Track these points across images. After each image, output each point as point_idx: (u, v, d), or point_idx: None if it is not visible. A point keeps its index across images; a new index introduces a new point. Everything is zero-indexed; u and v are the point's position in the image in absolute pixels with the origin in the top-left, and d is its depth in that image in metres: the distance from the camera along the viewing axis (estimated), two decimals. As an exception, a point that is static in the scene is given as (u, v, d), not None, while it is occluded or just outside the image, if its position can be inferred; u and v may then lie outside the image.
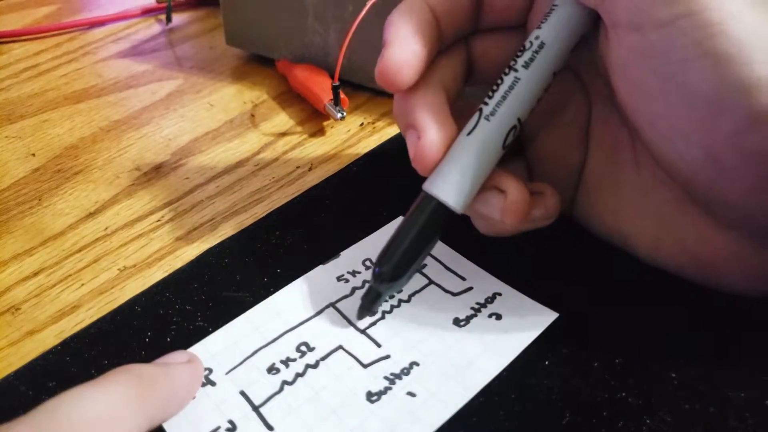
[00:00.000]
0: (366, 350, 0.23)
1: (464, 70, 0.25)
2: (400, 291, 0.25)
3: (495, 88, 0.23)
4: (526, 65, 0.22)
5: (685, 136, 0.19)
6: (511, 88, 0.22)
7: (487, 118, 0.22)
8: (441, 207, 0.22)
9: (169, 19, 0.46)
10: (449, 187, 0.22)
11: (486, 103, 0.23)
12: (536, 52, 0.22)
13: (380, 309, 0.25)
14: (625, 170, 0.24)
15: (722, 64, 0.17)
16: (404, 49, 0.22)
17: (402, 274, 0.23)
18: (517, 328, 0.23)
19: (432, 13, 0.23)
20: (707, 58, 0.18)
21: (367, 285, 0.25)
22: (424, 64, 0.23)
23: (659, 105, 0.20)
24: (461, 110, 0.24)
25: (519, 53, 0.23)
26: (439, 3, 0.23)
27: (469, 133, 0.22)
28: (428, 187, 0.23)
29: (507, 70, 0.23)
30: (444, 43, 0.24)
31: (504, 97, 0.22)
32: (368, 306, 0.24)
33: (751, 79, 0.17)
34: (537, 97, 0.23)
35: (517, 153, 0.27)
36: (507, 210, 0.22)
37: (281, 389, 0.22)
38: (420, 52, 0.22)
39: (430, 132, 0.22)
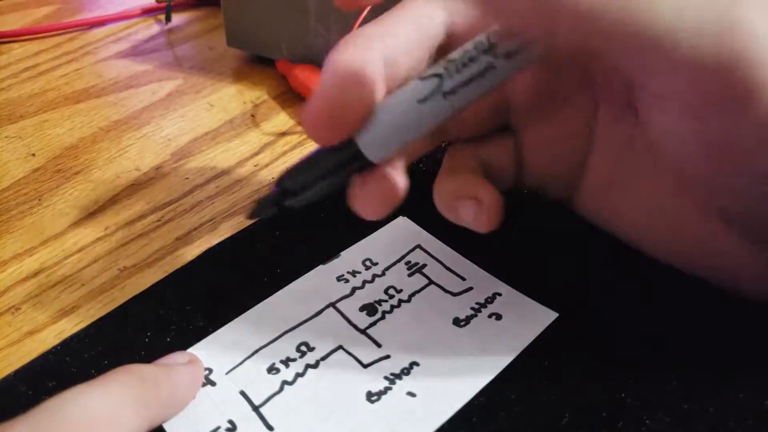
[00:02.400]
0: (366, 350, 0.23)
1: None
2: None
3: (464, 63, 0.20)
4: (509, 56, 0.19)
5: (726, 193, 0.19)
6: (481, 74, 0.20)
7: (445, 96, 0.20)
8: (359, 152, 0.21)
9: (168, 19, 0.46)
10: (372, 141, 0.21)
11: (448, 75, 0.20)
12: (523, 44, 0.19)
13: (380, 309, 0.25)
14: (641, 173, 0.23)
15: None
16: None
17: (298, 192, 0.22)
18: (517, 328, 0.23)
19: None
20: None
21: (366, 285, 0.25)
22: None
23: (700, 171, 0.19)
24: None
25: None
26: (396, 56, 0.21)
27: (420, 101, 0.20)
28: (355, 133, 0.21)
29: (485, 50, 0.20)
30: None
31: (470, 80, 0.20)
32: (256, 212, 0.23)
33: None
34: (493, 90, 0.20)
35: (505, 129, 0.25)
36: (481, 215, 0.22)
37: (281, 389, 0.22)
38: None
39: (329, 96, 0.20)
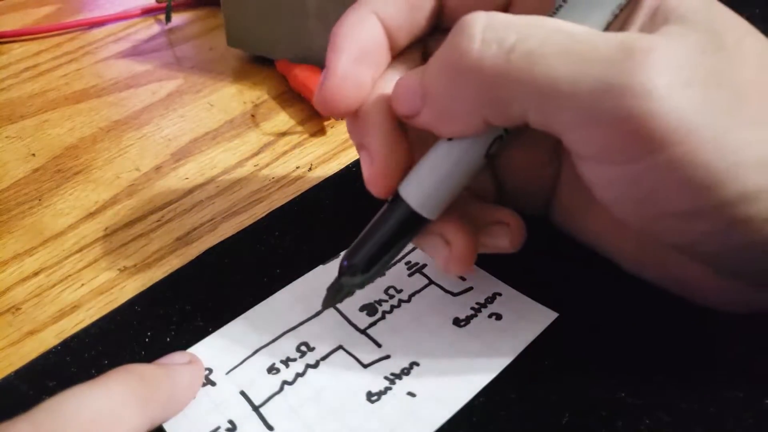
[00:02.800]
0: (366, 350, 0.23)
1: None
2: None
3: None
4: None
5: (661, 233, 0.20)
6: None
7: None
8: (412, 212, 0.21)
9: (168, 19, 0.46)
10: (422, 195, 0.21)
11: None
12: None
13: (380, 309, 0.25)
14: None
15: (697, 191, 0.17)
16: (346, 79, 0.21)
17: (370, 269, 0.22)
18: (517, 328, 0.23)
19: (382, 26, 0.21)
20: (681, 186, 0.17)
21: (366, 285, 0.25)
22: (369, 89, 0.21)
23: (631, 217, 0.20)
24: None
25: None
26: (391, 16, 0.21)
27: (450, 138, 0.20)
28: (402, 189, 0.21)
29: None
30: (396, 53, 0.22)
31: None
32: (330, 300, 0.23)
33: (727, 197, 0.17)
34: None
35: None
36: (451, 261, 0.22)
37: (281, 389, 0.22)
38: (364, 80, 0.21)
39: (381, 157, 0.21)
